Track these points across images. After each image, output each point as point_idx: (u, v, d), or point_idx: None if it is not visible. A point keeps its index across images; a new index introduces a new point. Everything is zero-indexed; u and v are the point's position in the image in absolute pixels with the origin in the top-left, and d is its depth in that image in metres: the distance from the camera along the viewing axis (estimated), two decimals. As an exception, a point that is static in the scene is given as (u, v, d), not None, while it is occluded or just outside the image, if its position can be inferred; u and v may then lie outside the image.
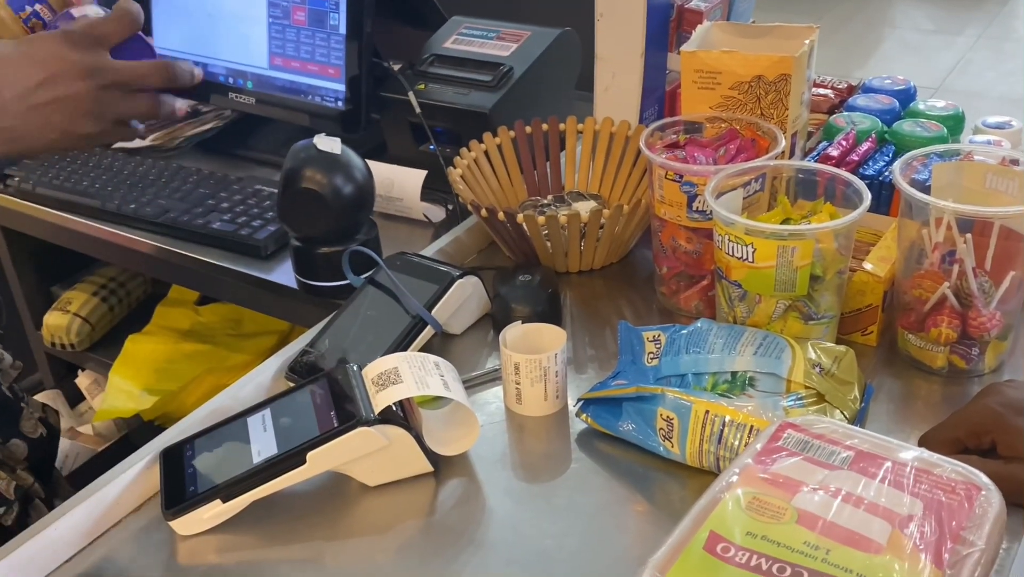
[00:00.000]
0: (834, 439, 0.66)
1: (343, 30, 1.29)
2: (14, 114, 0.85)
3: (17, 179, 1.37)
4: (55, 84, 0.86)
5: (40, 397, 1.60)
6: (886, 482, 0.62)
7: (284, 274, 1.15)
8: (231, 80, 1.42)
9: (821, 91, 1.24)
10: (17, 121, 0.85)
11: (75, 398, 1.67)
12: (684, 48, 0.99)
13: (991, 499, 0.60)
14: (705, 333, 0.82)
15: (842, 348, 0.81)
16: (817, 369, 0.78)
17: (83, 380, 1.65)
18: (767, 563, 0.57)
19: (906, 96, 1.17)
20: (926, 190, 0.85)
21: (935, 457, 0.64)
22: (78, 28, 0.90)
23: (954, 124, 1.10)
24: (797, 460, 0.64)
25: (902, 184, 0.82)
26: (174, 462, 0.79)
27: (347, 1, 1.28)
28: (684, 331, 0.84)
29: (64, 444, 1.52)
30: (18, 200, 1.37)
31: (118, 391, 1.43)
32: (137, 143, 1.45)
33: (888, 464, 0.63)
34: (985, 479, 0.62)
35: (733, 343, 0.80)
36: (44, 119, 0.86)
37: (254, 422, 0.79)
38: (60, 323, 1.54)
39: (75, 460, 1.52)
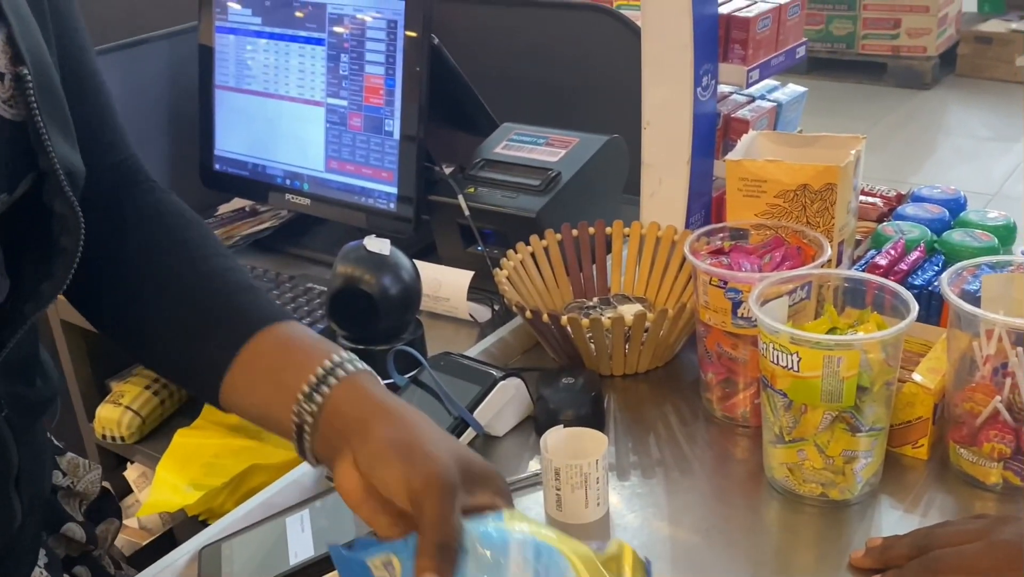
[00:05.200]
0: None
1: (397, 136, 1.33)
2: None
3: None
4: None
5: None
6: None
7: (331, 372, 1.16)
8: (288, 182, 1.47)
9: (870, 199, 1.24)
10: None
11: (123, 491, 1.68)
12: (729, 157, 1.00)
13: None
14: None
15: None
16: None
17: (131, 473, 1.67)
18: None
19: (956, 205, 1.17)
20: (976, 301, 0.84)
21: None
22: None
23: (1005, 234, 1.09)
24: None
25: (950, 296, 0.81)
26: (213, 561, 0.79)
27: (402, 108, 1.32)
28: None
29: (109, 537, 1.53)
30: (79, 294, 1.41)
31: (164, 485, 1.44)
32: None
33: None
34: None
35: (500, 570, 0.59)
36: None
37: (292, 523, 0.79)
38: (112, 416, 1.56)
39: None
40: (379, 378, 0.67)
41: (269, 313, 0.70)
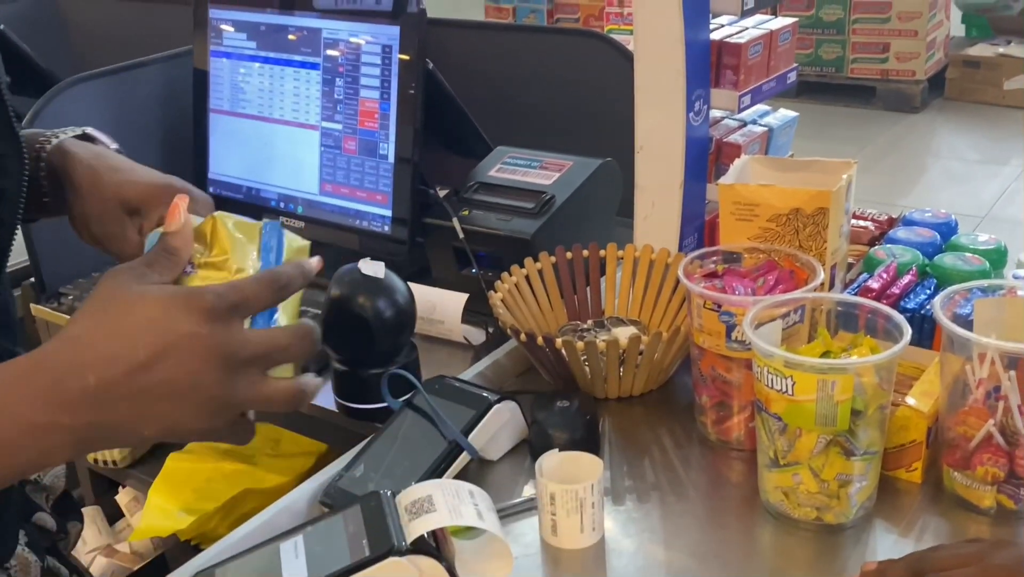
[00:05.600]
0: None
1: (392, 159, 1.34)
2: (102, 404, 0.59)
3: (71, 297, 1.41)
4: (166, 363, 0.60)
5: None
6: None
7: (324, 395, 1.16)
8: (282, 205, 1.47)
9: (861, 223, 1.25)
10: (104, 414, 0.60)
11: (114, 515, 1.67)
12: (722, 181, 1.01)
13: None
14: None
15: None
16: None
17: (123, 497, 1.66)
18: None
19: (947, 229, 1.18)
20: (968, 324, 0.84)
21: None
22: (213, 290, 0.63)
23: (997, 258, 1.09)
24: None
25: (943, 320, 0.82)
26: (205, 587, 0.78)
27: (396, 131, 1.32)
28: None
29: (101, 562, 1.52)
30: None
31: (156, 510, 1.43)
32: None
33: None
34: None
35: None
36: (142, 409, 0.60)
37: (286, 548, 0.78)
38: (104, 439, 1.56)
39: (110, 579, 1.51)
40: (71, 143, 0.79)
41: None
